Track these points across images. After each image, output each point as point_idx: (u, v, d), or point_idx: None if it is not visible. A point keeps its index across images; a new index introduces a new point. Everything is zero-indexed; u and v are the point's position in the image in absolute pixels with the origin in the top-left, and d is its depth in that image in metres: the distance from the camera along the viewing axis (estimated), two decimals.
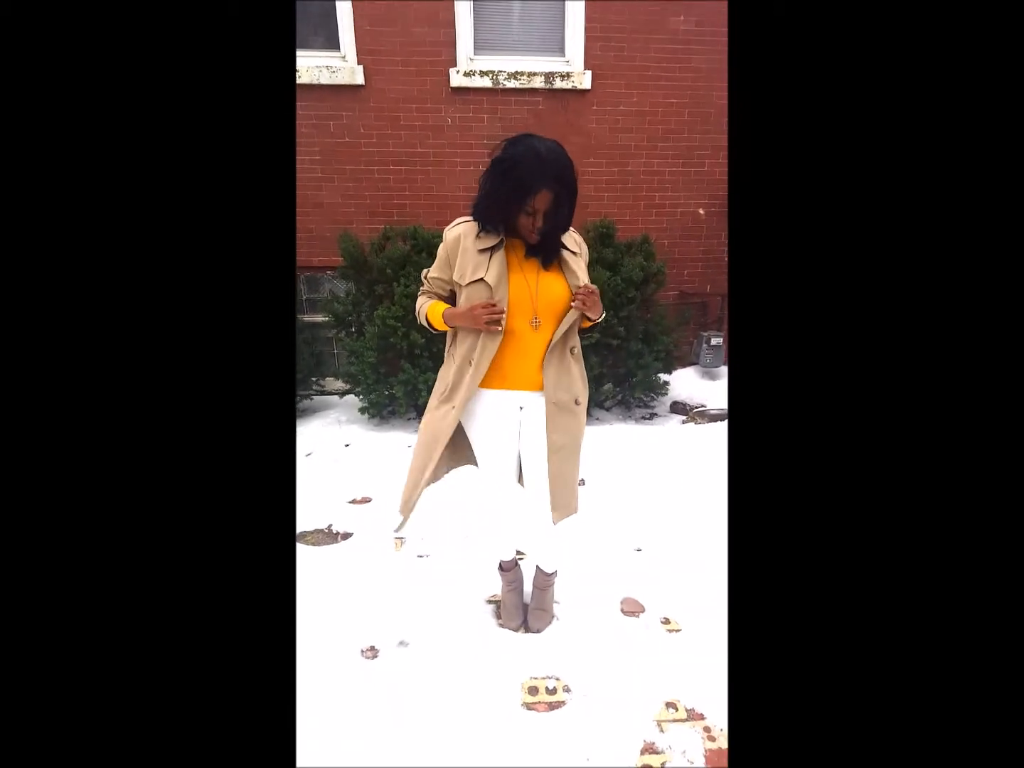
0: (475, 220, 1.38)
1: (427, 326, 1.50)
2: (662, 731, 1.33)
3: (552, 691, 1.46)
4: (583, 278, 1.41)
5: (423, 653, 1.59)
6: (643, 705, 1.40)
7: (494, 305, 1.32)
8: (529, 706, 1.42)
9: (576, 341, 1.47)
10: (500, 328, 1.34)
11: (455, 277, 1.42)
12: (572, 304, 1.37)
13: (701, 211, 4.12)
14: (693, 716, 1.37)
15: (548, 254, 1.39)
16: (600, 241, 3.52)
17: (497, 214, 1.32)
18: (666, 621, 1.72)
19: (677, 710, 1.39)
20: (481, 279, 1.35)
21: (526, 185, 1.25)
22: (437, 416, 1.52)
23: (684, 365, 4.12)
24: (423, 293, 1.55)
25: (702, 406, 3.74)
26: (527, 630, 1.70)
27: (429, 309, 1.47)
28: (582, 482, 2.63)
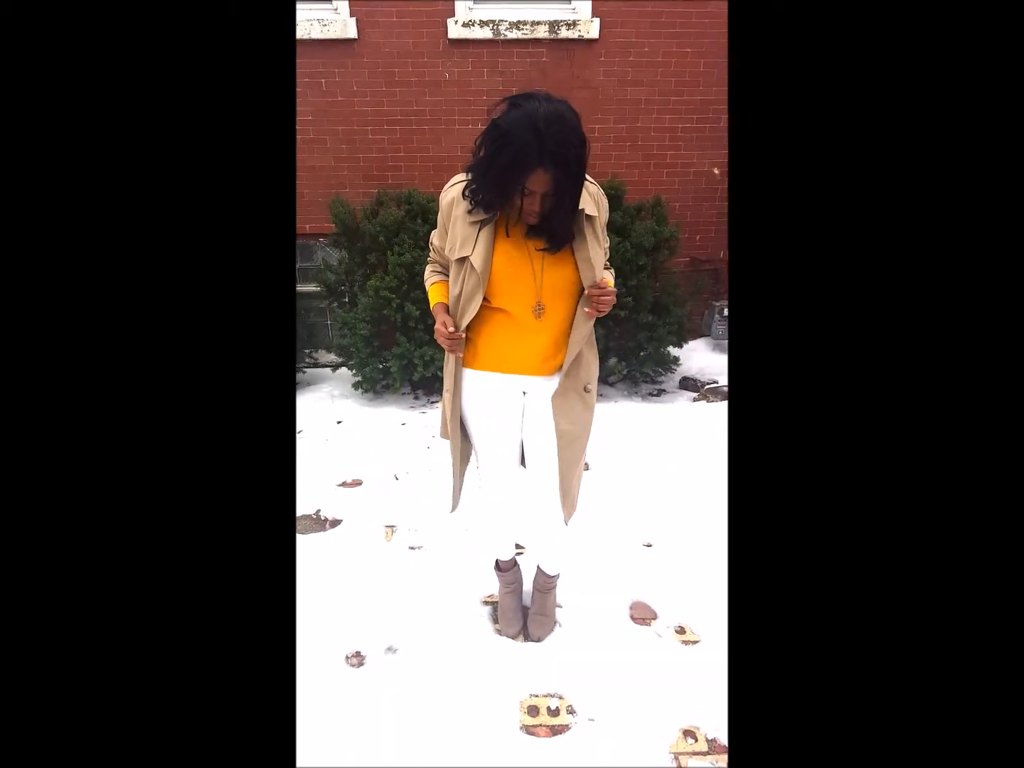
0: (465, 189, 1.15)
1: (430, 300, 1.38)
2: (680, 766, 1.19)
3: (555, 712, 1.31)
4: (598, 266, 1.19)
5: (412, 662, 1.45)
6: (657, 733, 1.25)
7: (453, 331, 1.20)
8: (528, 729, 1.28)
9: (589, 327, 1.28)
10: (460, 354, 1.26)
11: (446, 250, 1.23)
12: (585, 310, 1.19)
13: (716, 171, 3.84)
14: (715, 749, 1.22)
15: (555, 240, 1.15)
16: (609, 204, 3.28)
17: (491, 191, 1.09)
18: (681, 630, 1.56)
19: (696, 740, 1.24)
20: (466, 258, 1.16)
21: (519, 164, 1.02)
22: (445, 401, 1.38)
23: (695, 337, 3.92)
24: (431, 262, 1.40)
25: (714, 382, 3.54)
26: (527, 638, 1.55)
27: (431, 293, 1.36)
28: (587, 467, 2.46)
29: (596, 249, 1.19)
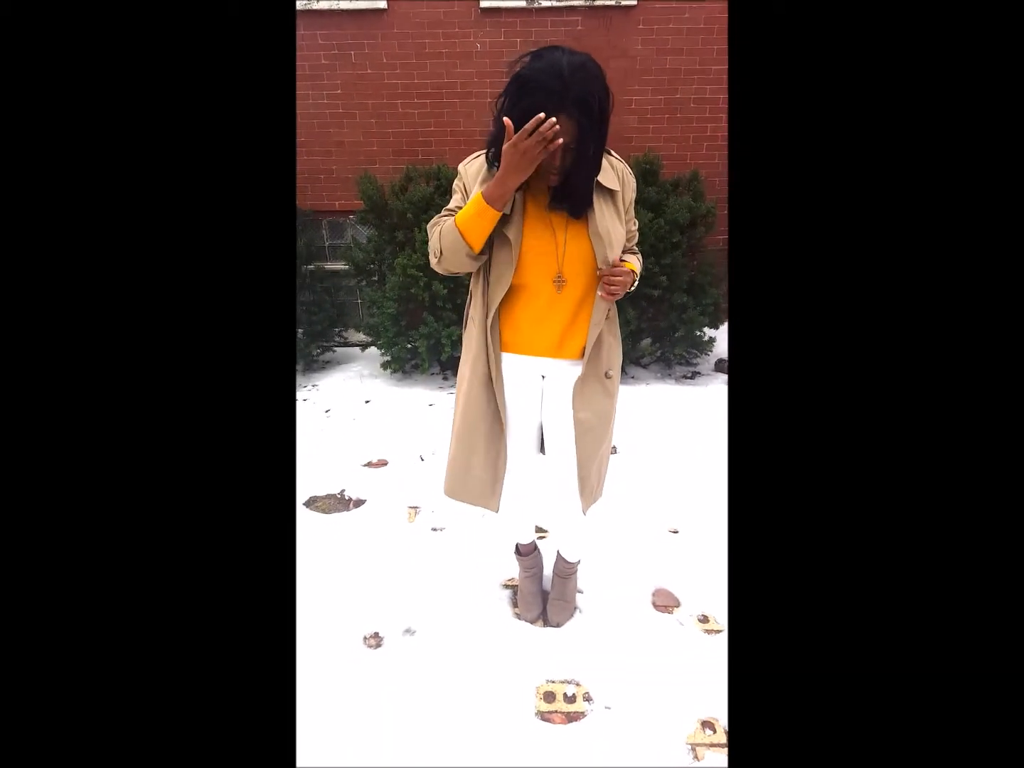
0: (489, 153, 1.11)
1: (460, 239, 1.09)
2: (697, 758, 1.15)
3: (571, 699, 1.29)
4: (615, 244, 1.13)
5: (430, 645, 1.45)
6: (675, 723, 1.22)
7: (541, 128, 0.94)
8: (544, 716, 1.26)
9: (609, 308, 1.22)
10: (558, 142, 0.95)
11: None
12: (599, 294, 1.14)
13: None
14: None
15: (576, 203, 1.10)
16: (643, 179, 3.17)
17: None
18: (704, 619, 1.52)
19: (715, 731, 1.20)
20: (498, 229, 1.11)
21: (543, 108, 0.95)
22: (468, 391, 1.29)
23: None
24: (436, 223, 1.19)
25: None
26: (546, 623, 1.53)
27: (459, 215, 1.10)
28: (614, 450, 2.41)
29: (615, 225, 1.14)
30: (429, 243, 1.18)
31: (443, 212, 1.18)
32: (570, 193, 1.09)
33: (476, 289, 1.22)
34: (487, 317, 1.19)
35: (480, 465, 1.30)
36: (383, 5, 3.36)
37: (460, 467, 1.32)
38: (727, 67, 3.51)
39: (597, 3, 3.35)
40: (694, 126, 3.64)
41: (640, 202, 3.02)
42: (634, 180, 1.22)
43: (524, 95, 0.98)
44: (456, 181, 1.19)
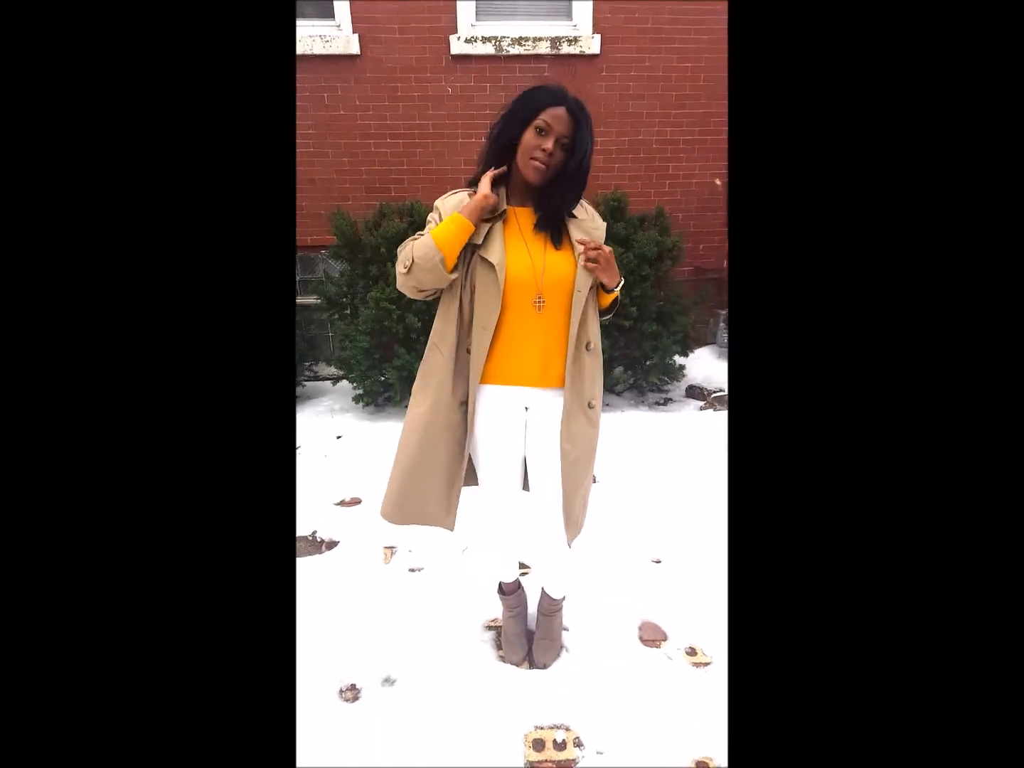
0: (473, 180, 1.19)
1: (433, 247, 1.11)
2: None
3: (561, 746, 1.24)
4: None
5: (411, 695, 1.38)
6: (669, 765, 1.18)
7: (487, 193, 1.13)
8: (534, 765, 1.20)
9: (592, 335, 1.23)
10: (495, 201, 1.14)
11: None
12: (581, 264, 1.15)
13: (718, 181, 3.82)
14: None
15: (554, 206, 1.16)
16: (611, 215, 3.25)
17: (509, 122, 1.13)
18: (692, 652, 1.49)
19: None
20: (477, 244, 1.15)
21: (540, 100, 1.09)
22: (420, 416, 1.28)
23: (700, 345, 3.87)
24: (408, 242, 1.19)
25: (720, 390, 3.49)
26: (532, 664, 1.48)
27: (435, 228, 1.14)
28: (594, 479, 2.39)
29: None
30: (399, 260, 1.18)
31: (415, 236, 1.19)
32: (553, 196, 1.15)
33: (447, 319, 1.21)
34: (461, 345, 1.20)
35: (437, 486, 1.27)
36: (356, 51, 3.43)
37: (411, 489, 1.27)
38: (695, 102, 3.68)
39: (563, 52, 3.48)
40: (656, 165, 3.79)
41: (609, 237, 3.08)
42: (602, 223, 1.27)
43: (529, 97, 1.10)
44: (431, 214, 1.21)
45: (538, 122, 1.08)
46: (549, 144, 1.08)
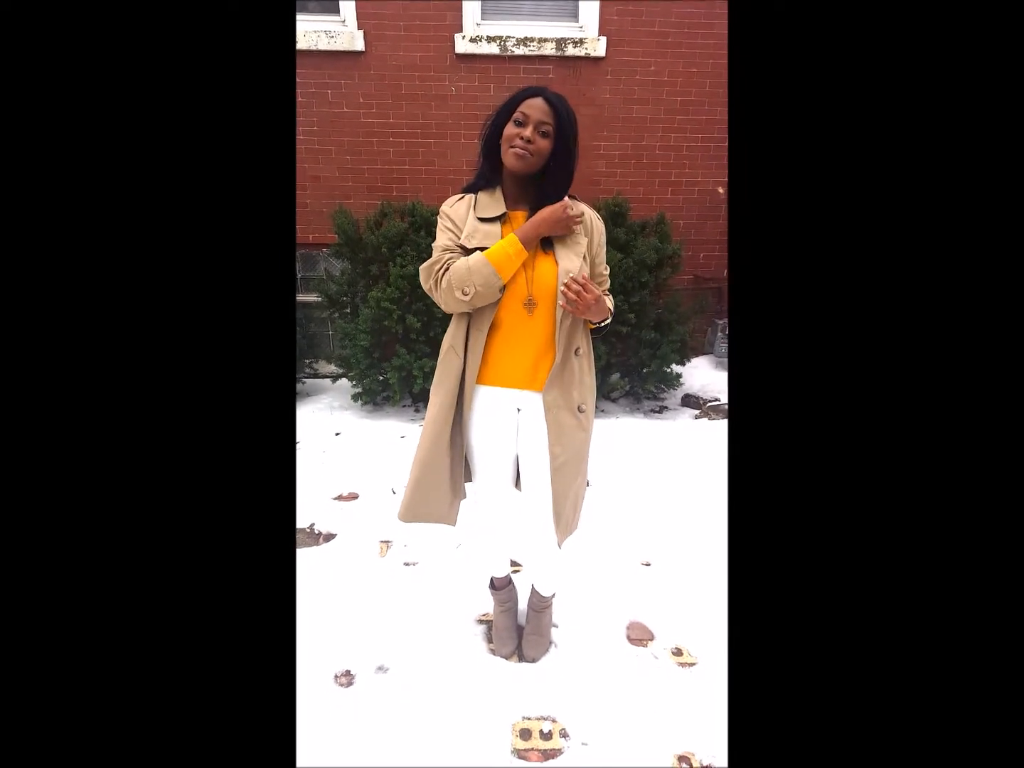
0: (472, 184, 1.25)
1: (495, 275, 1.14)
2: None
3: (547, 736, 1.28)
4: (577, 262, 1.19)
5: (403, 682, 1.42)
6: (650, 758, 1.22)
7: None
8: (520, 753, 1.24)
9: (581, 341, 1.26)
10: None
11: (462, 239, 1.19)
12: (559, 303, 1.16)
13: (720, 189, 3.85)
14: None
15: (543, 195, 1.20)
16: (612, 220, 3.28)
17: (491, 126, 1.20)
18: (678, 652, 1.53)
19: (691, 766, 1.21)
20: (485, 248, 1.17)
21: (518, 96, 1.16)
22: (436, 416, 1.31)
23: (697, 355, 3.89)
24: (444, 262, 1.19)
25: (716, 400, 3.52)
26: (521, 658, 1.52)
27: (492, 254, 1.15)
28: (587, 484, 2.43)
29: (579, 251, 1.22)
30: (446, 282, 1.16)
31: (438, 253, 1.20)
32: (543, 187, 1.20)
33: (459, 322, 1.24)
34: (465, 345, 1.23)
35: (443, 486, 1.32)
36: (361, 48, 3.45)
37: (424, 491, 1.32)
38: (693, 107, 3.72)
39: (567, 53, 3.51)
40: (659, 171, 3.81)
41: (609, 242, 3.12)
42: (602, 224, 1.29)
43: (510, 97, 1.17)
44: (442, 221, 1.23)
45: (516, 115, 1.15)
46: (527, 131, 1.13)
